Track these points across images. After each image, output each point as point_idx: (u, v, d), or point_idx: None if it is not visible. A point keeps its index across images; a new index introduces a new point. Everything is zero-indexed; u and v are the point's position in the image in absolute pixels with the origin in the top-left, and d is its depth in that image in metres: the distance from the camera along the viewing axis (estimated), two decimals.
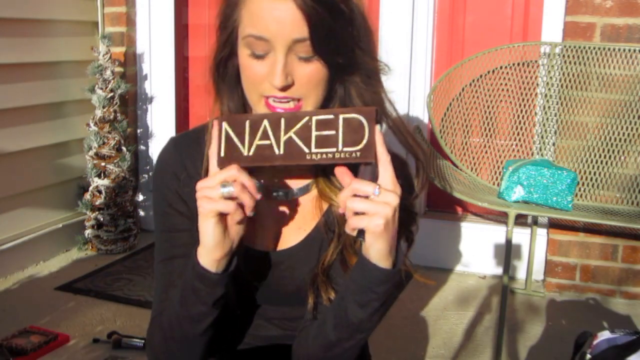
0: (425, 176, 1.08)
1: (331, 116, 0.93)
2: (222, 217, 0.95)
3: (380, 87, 1.05)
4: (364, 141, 0.92)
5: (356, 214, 0.92)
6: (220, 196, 0.93)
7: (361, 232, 0.92)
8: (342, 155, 0.92)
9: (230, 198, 0.93)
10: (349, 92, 1.04)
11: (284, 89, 0.97)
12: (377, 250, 0.94)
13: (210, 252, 0.97)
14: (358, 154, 0.92)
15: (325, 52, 0.97)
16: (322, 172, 1.08)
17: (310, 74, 0.98)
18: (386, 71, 1.07)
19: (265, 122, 0.95)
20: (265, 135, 0.95)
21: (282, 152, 0.94)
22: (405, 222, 1.07)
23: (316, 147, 0.93)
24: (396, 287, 0.99)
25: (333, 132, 0.93)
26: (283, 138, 0.94)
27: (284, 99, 0.98)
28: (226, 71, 1.06)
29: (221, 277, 0.98)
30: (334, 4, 0.96)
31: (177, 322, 1.02)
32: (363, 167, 0.94)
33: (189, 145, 1.10)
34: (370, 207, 0.91)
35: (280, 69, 0.96)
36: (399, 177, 1.07)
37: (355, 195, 0.92)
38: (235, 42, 1.02)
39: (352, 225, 0.92)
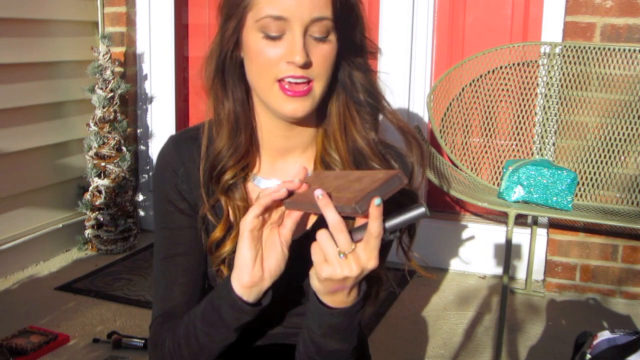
0: (424, 158, 1.09)
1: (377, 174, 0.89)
2: (259, 238, 0.95)
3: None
4: (364, 191, 0.86)
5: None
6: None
7: None
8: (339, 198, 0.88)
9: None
10: (352, 73, 1.05)
11: (304, 66, 0.97)
12: (313, 284, 0.94)
13: (240, 275, 0.96)
14: (350, 195, 0.87)
15: (342, 30, 0.99)
16: (320, 162, 1.09)
17: (326, 54, 0.99)
18: (380, 53, 1.09)
19: (331, 174, 0.96)
20: (320, 183, 0.94)
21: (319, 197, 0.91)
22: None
23: (335, 191, 0.90)
24: (348, 322, 0.97)
25: (357, 184, 0.89)
26: (326, 185, 0.93)
27: (300, 78, 0.98)
28: (231, 63, 1.05)
29: (251, 308, 0.98)
30: None
31: (194, 336, 1.02)
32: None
33: (187, 143, 1.11)
34: (330, 256, 0.88)
35: (300, 46, 0.96)
36: (400, 165, 1.09)
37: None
38: (241, 31, 1.02)
39: (312, 248, 0.91)
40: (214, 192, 1.07)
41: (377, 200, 0.85)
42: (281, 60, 0.98)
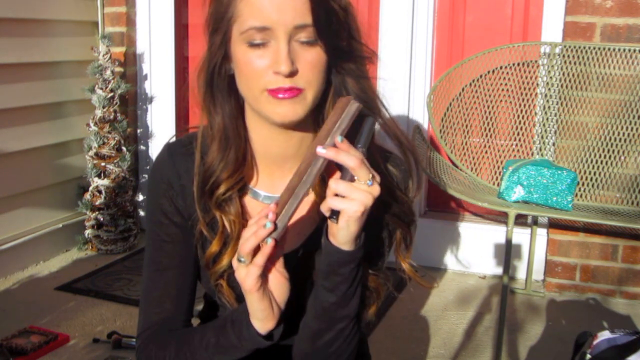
0: (420, 172, 1.10)
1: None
2: (265, 289, 0.96)
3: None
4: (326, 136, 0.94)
5: (336, 195, 0.93)
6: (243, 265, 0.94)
7: (335, 214, 0.93)
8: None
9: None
10: (344, 80, 1.03)
11: (291, 75, 0.96)
12: (345, 234, 0.94)
13: (264, 324, 0.98)
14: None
15: (327, 36, 0.98)
16: (320, 177, 1.08)
17: (313, 60, 0.98)
18: (375, 59, 1.07)
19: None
20: (286, 189, 0.95)
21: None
22: (404, 222, 1.07)
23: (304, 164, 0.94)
24: (359, 267, 0.99)
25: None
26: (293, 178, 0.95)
27: (289, 90, 0.97)
28: (219, 78, 1.04)
29: (270, 342, 1.01)
30: None
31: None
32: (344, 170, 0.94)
33: (183, 153, 1.09)
34: (354, 192, 0.92)
35: (284, 55, 0.95)
36: (400, 173, 1.09)
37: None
38: (228, 44, 1.01)
39: (330, 205, 0.93)
40: (209, 207, 1.06)
41: (339, 138, 0.92)
42: (268, 70, 0.97)
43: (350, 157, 0.91)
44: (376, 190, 0.93)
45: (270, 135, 1.05)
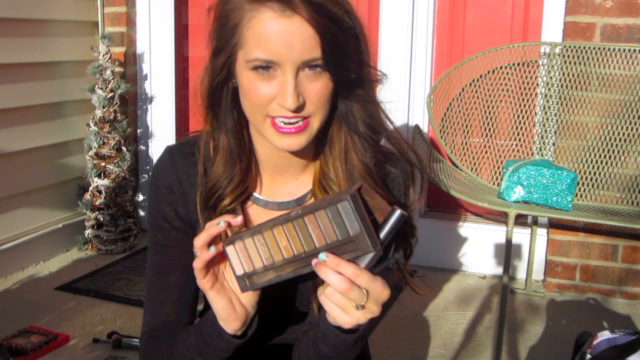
0: (422, 185, 1.08)
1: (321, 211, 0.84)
2: (222, 285, 0.95)
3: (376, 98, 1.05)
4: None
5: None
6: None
7: None
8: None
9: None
10: (351, 106, 1.01)
11: (296, 110, 0.94)
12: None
13: (228, 324, 0.96)
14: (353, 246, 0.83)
15: (335, 69, 0.95)
16: (319, 182, 1.07)
17: (320, 91, 0.96)
18: (384, 80, 1.05)
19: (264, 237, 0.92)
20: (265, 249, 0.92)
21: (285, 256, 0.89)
22: (404, 233, 1.06)
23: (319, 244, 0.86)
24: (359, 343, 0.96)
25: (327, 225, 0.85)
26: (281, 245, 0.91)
27: (294, 118, 0.95)
28: (222, 95, 1.02)
29: (242, 341, 0.99)
30: (341, 19, 0.94)
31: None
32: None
33: (183, 158, 1.08)
34: (349, 309, 0.87)
35: (291, 90, 0.93)
36: (399, 172, 1.08)
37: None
38: (232, 65, 0.99)
39: (324, 303, 0.88)
40: (212, 218, 1.04)
41: (321, 255, 0.84)
42: (273, 100, 0.95)
43: (340, 282, 0.84)
44: (370, 313, 0.87)
45: (272, 149, 1.04)
